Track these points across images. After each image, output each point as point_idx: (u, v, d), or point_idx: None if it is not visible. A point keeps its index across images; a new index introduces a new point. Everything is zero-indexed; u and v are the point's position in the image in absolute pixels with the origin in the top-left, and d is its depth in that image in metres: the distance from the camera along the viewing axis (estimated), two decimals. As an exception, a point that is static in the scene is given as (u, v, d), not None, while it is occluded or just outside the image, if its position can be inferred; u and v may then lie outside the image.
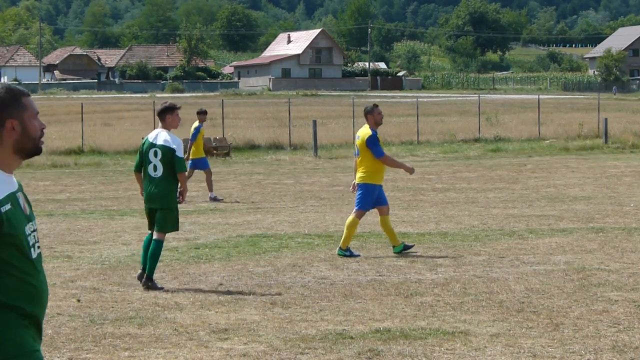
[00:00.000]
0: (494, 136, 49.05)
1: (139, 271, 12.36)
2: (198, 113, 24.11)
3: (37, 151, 4.33)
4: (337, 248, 14.71)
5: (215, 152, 41.75)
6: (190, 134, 23.97)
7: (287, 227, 18.20)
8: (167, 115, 12.32)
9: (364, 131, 14.64)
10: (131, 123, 58.63)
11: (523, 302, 11.06)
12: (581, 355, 8.78)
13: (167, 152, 12.10)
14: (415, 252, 14.72)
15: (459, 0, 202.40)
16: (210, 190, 23.90)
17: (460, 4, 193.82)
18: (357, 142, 14.72)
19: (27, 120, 4.30)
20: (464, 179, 28.60)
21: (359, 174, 14.70)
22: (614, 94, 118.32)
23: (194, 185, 28.17)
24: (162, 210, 12.08)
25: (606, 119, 46.41)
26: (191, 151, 23.66)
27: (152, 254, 12.10)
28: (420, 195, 24.07)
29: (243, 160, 39.63)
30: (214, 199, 23.57)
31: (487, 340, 9.36)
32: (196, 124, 23.90)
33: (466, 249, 15.07)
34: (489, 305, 10.97)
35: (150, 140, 12.29)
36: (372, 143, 14.46)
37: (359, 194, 14.69)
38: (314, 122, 42.38)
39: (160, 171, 12.09)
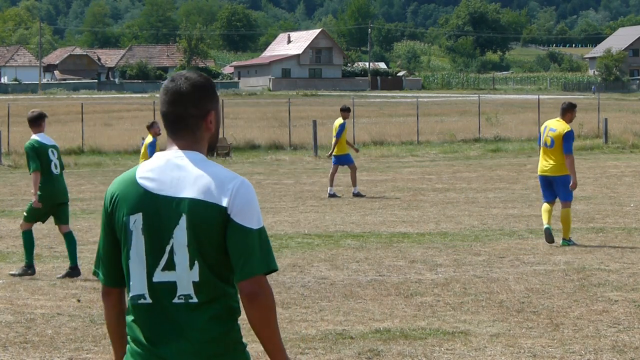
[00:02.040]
0: (494, 136, 49.05)
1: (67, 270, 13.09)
2: (342, 110, 24.69)
3: (214, 148, 4.01)
4: (561, 239, 15.25)
5: (215, 152, 41.79)
6: (335, 131, 24.15)
7: (287, 227, 18.20)
8: (41, 121, 14.16)
9: (561, 126, 15.33)
10: (131, 123, 58.64)
11: (523, 302, 11.06)
12: (581, 355, 8.78)
13: (58, 151, 13.83)
14: (416, 252, 14.72)
15: (459, 0, 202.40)
16: (355, 185, 24.19)
17: (460, 4, 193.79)
18: (553, 134, 15.30)
19: (219, 113, 4.00)
20: (464, 179, 28.60)
21: (554, 166, 15.24)
22: (593, 93, 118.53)
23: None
24: (66, 204, 13.51)
25: (606, 119, 46.41)
26: (336, 147, 24.10)
27: (74, 245, 13.18)
28: (420, 195, 24.07)
29: (243, 160, 39.63)
30: (357, 195, 23.91)
31: (487, 340, 9.36)
32: (340, 120, 24.18)
33: (466, 249, 15.07)
34: (489, 305, 10.97)
35: (46, 143, 13.89)
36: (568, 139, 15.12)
37: (563, 187, 15.21)
38: (314, 122, 42.37)
39: (59, 168, 13.50)
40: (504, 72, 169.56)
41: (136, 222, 3.77)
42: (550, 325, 9.91)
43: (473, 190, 25.54)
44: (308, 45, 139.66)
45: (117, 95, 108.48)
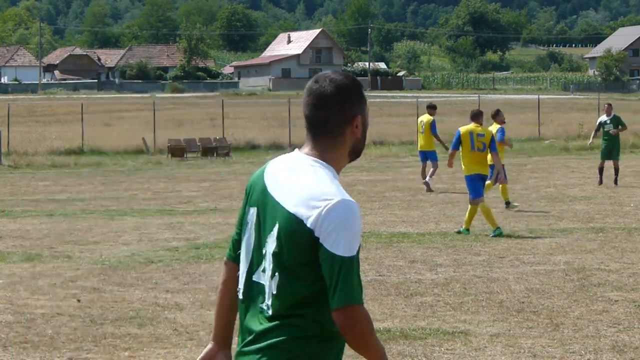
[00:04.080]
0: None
1: None
2: (428, 107, 25.85)
3: (360, 154, 3.77)
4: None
5: (215, 152, 41.76)
6: (429, 128, 25.27)
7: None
8: None
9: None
10: (131, 123, 58.61)
11: (523, 302, 11.06)
12: (581, 355, 8.78)
13: None
14: (416, 252, 14.71)
15: (459, 0, 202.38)
16: (424, 177, 25.13)
17: (460, 4, 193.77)
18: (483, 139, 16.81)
19: (367, 117, 3.77)
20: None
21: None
22: (572, 93, 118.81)
23: (194, 186, 28.18)
24: None
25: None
26: (426, 143, 25.38)
27: None
28: (420, 195, 24.07)
29: (243, 160, 39.62)
30: (427, 184, 24.79)
31: (487, 340, 9.36)
32: (430, 118, 25.35)
33: (466, 249, 15.06)
34: (489, 305, 10.97)
35: None
36: None
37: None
38: (314, 122, 42.31)
39: None
40: (504, 72, 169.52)
41: (253, 215, 3.65)
42: (550, 325, 9.91)
43: (473, 190, 25.52)
44: (308, 45, 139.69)
45: (117, 95, 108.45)
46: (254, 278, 3.61)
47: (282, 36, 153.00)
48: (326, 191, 3.49)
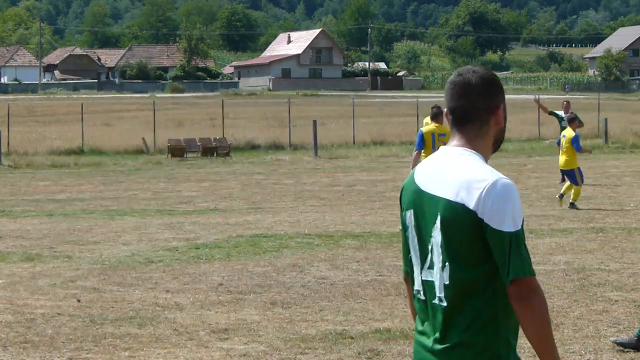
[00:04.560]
0: (494, 136, 48.99)
1: None
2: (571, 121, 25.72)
3: (501, 145, 3.89)
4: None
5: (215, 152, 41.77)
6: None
7: (287, 227, 18.20)
8: None
9: None
10: (131, 123, 58.61)
11: (523, 302, 11.05)
12: (581, 355, 8.78)
13: None
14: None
15: (459, 0, 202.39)
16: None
17: (460, 4, 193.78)
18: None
19: (506, 109, 3.88)
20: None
21: None
22: (566, 92, 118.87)
23: (194, 186, 28.18)
24: None
25: (606, 119, 46.40)
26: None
27: None
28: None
29: (243, 160, 39.62)
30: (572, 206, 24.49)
31: (487, 340, 9.35)
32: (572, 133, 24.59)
33: (466, 249, 15.04)
34: None
35: None
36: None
37: None
38: (314, 122, 42.36)
39: None
40: (504, 72, 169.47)
41: (410, 217, 3.80)
42: (550, 325, 9.91)
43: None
44: (308, 45, 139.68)
45: (117, 95, 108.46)
46: (423, 277, 3.74)
47: (282, 36, 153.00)
48: (481, 174, 3.64)
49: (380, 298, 11.46)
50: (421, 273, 3.75)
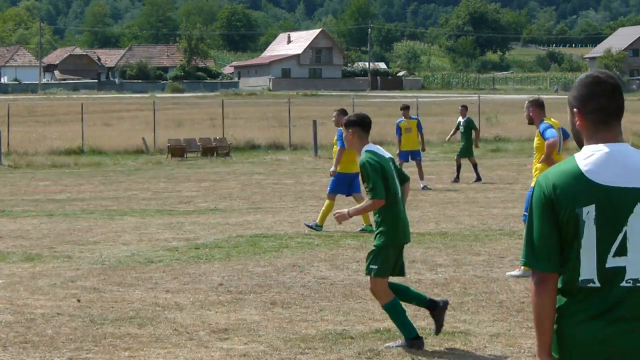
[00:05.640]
0: (494, 136, 49.05)
1: None
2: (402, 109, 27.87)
3: None
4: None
5: (215, 152, 41.76)
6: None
7: (287, 227, 18.20)
8: None
9: None
10: (131, 123, 58.62)
11: (523, 302, 11.06)
12: (581, 355, 8.77)
13: None
14: (416, 252, 14.72)
15: (459, 0, 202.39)
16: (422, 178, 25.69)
17: (460, 4, 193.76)
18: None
19: None
20: (464, 179, 28.58)
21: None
22: (555, 91, 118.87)
23: (194, 186, 28.18)
24: None
25: (606, 119, 46.36)
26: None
27: None
28: (421, 196, 24.07)
29: (243, 160, 39.63)
30: (425, 188, 25.27)
31: (487, 340, 9.36)
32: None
33: (466, 249, 15.06)
34: (489, 305, 10.97)
35: None
36: None
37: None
38: (314, 122, 42.36)
39: None
40: (504, 72, 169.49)
41: (589, 213, 4.03)
42: (550, 325, 9.91)
43: (473, 190, 25.55)
44: (308, 45, 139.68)
45: (117, 95, 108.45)
46: (608, 265, 4.05)
47: (282, 36, 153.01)
48: None
49: (380, 298, 11.45)
50: (604, 262, 4.03)
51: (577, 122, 4.19)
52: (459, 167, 27.92)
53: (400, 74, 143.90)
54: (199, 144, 42.35)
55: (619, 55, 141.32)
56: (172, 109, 69.86)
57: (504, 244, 15.54)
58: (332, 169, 17.68)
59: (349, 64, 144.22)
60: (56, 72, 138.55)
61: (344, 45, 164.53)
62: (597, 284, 4.04)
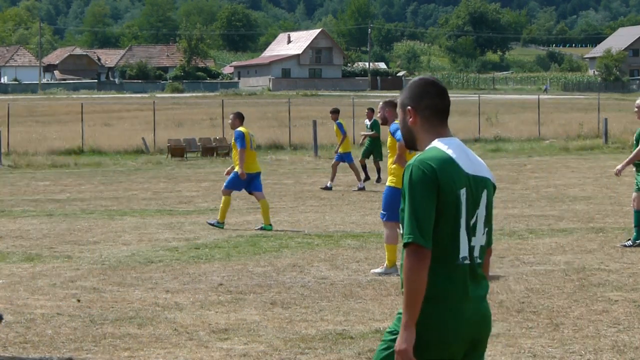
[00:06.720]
0: (494, 136, 49.05)
1: None
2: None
3: None
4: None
5: (215, 152, 41.75)
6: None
7: (287, 227, 18.20)
8: None
9: None
10: (131, 123, 58.63)
11: (523, 302, 11.06)
12: (581, 355, 8.78)
13: None
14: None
15: (459, 0, 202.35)
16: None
17: (460, 4, 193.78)
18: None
19: None
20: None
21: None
22: (545, 91, 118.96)
23: (194, 186, 28.18)
24: None
25: (606, 119, 46.42)
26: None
27: None
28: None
29: (243, 160, 39.55)
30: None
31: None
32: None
33: (466, 249, 15.03)
34: (489, 305, 10.96)
35: None
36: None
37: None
38: (314, 122, 42.36)
39: None
40: (504, 72, 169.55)
41: (464, 196, 4.51)
42: (550, 325, 9.91)
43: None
44: (308, 45, 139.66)
45: (117, 95, 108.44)
46: (472, 244, 4.55)
47: (282, 36, 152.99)
48: None
49: (380, 298, 11.46)
50: (470, 241, 4.53)
51: (410, 120, 4.53)
52: (364, 166, 28.38)
53: (400, 74, 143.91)
54: (199, 144, 42.35)
55: (619, 55, 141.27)
56: (172, 109, 69.87)
57: (504, 244, 15.54)
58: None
59: (349, 64, 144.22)
60: (56, 72, 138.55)
61: (343, 45, 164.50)
62: (468, 261, 4.51)
